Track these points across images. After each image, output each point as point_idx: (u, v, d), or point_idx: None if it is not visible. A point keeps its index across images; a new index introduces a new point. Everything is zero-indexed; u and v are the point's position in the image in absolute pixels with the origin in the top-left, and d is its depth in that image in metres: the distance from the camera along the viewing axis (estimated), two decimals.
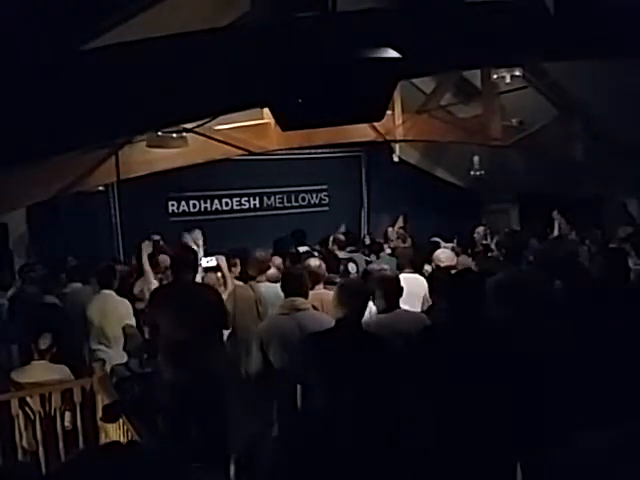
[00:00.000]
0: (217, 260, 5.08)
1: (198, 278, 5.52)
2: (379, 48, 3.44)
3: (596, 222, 8.39)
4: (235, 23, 4.79)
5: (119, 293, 5.31)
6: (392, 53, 3.44)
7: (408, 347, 3.20)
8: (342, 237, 8.01)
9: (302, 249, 6.99)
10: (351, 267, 5.87)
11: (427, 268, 5.63)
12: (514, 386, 2.74)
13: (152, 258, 5.47)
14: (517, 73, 6.42)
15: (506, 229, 8.22)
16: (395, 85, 3.71)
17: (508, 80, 6.51)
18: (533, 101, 7.72)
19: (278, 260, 5.88)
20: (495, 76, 6.62)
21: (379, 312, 3.73)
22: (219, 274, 5.14)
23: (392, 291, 3.70)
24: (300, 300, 3.88)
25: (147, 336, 4.56)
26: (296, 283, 3.98)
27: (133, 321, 5.05)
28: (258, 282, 5.07)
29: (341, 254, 7.07)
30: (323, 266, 4.68)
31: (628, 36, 4.24)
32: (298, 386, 3.34)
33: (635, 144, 7.44)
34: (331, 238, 8.05)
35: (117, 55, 3.48)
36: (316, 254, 6.61)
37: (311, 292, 4.13)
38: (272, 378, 3.73)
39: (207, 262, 5.29)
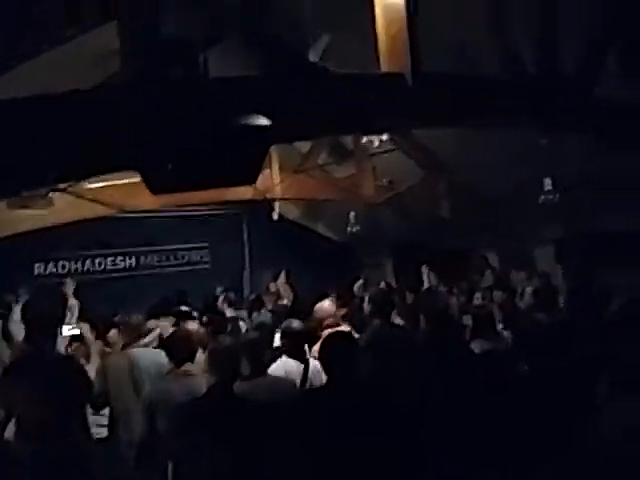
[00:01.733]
0: (80, 329, 4.81)
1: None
2: (251, 115, 3.54)
3: (463, 274, 8.98)
4: (105, 82, 4.71)
5: None
6: (263, 120, 3.56)
7: (282, 409, 3.20)
8: (232, 295, 7.95)
9: (183, 309, 6.79)
10: (242, 325, 5.79)
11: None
12: (394, 443, 2.81)
13: None
14: (384, 137, 6.83)
15: (378, 284, 8.55)
16: (266, 150, 3.83)
17: (377, 143, 6.90)
18: (401, 162, 8.21)
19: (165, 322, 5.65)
20: (364, 139, 7.00)
21: (243, 378, 3.67)
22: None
23: (258, 355, 3.69)
24: (189, 365, 3.83)
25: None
26: (183, 347, 3.89)
27: None
28: (132, 347, 4.85)
29: (230, 313, 6.97)
30: (202, 330, 4.60)
31: (485, 106, 4.69)
32: (169, 461, 3.22)
33: (493, 202, 8.12)
34: (221, 297, 7.94)
35: None
36: (195, 314, 6.47)
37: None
38: (157, 447, 3.56)
39: (70, 330, 4.97)
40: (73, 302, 5.62)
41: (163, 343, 4.14)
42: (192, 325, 4.58)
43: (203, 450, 3.03)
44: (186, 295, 7.80)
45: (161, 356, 4.41)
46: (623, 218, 7.40)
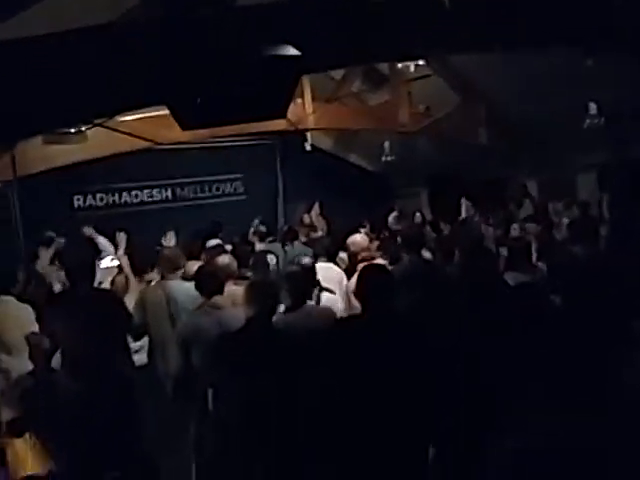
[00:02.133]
0: (120, 261, 4.92)
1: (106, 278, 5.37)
2: (279, 45, 3.43)
3: (499, 203, 8.81)
4: (123, 18, 4.61)
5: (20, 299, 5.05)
6: (292, 51, 3.44)
7: (320, 343, 3.25)
8: (263, 229, 7.96)
9: (213, 242, 6.87)
10: (270, 259, 5.78)
11: (342, 255, 5.69)
12: (429, 378, 2.84)
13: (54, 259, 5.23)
14: (421, 62, 6.57)
15: (413, 215, 8.48)
16: (296, 82, 3.72)
17: (412, 69, 6.66)
18: (438, 88, 7.93)
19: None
20: (400, 65, 6.75)
21: (286, 309, 3.75)
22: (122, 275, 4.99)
23: (298, 287, 3.73)
24: (218, 298, 3.88)
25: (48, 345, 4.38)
26: (212, 281, 3.95)
27: (36, 328, 4.82)
28: (169, 280, 4.96)
29: (260, 246, 7.01)
30: (233, 263, 4.64)
31: (523, 28, 4.44)
32: (209, 389, 3.34)
33: (533, 129, 7.83)
34: (251, 230, 7.97)
35: (9, 51, 3.30)
36: (229, 247, 6.54)
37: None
38: (192, 379, 3.70)
39: (110, 261, 5.11)
40: (123, 237, 5.76)
41: (192, 277, 4.20)
42: (222, 258, 4.62)
43: (242, 381, 3.11)
44: (220, 227, 7.85)
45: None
46: None
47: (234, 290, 4.32)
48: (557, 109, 7.05)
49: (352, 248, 5.10)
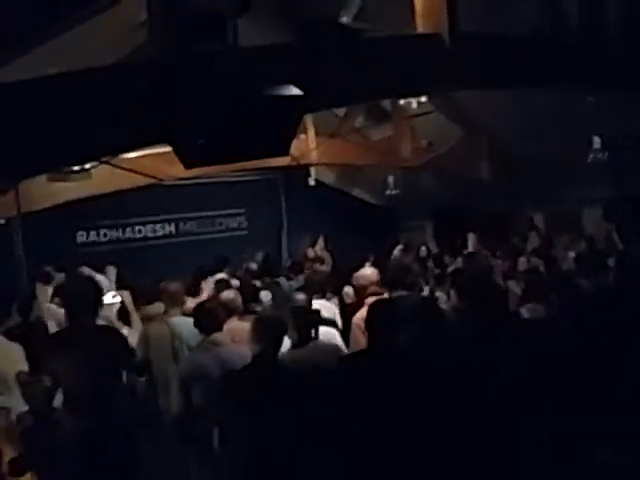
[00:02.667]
0: (121, 296, 4.88)
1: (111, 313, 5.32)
2: (282, 85, 3.46)
3: (505, 236, 8.77)
4: (131, 56, 4.69)
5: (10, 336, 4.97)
6: (295, 90, 3.46)
7: (328, 380, 3.19)
8: (254, 266, 7.88)
9: (219, 276, 6.82)
10: (264, 295, 5.74)
11: (347, 290, 5.62)
12: (438, 411, 2.78)
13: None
14: (422, 99, 6.62)
15: (418, 249, 8.43)
16: (299, 121, 3.74)
17: (415, 105, 6.71)
18: (440, 124, 7.99)
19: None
20: (402, 101, 6.81)
21: (292, 345, 3.70)
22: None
23: (304, 323, 3.69)
24: (218, 335, 3.82)
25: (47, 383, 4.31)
26: (212, 317, 3.91)
27: (26, 367, 4.74)
28: (171, 316, 4.91)
29: (258, 282, 6.94)
30: (238, 298, 4.60)
31: (521, 67, 4.48)
32: (215, 428, 3.27)
33: (535, 163, 7.85)
34: (244, 267, 7.90)
35: (15, 92, 3.33)
36: (235, 281, 6.50)
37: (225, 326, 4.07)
38: (193, 420, 3.62)
39: (112, 298, 5.07)
40: (112, 272, 5.75)
41: (191, 314, 4.17)
42: (227, 294, 4.58)
43: (249, 419, 3.05)
44: (226, 261, 7.81)
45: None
46: None
47: (236, 326, 4.29)
48: (559, 144, 7.08)
49: (361, 282, 5.03)
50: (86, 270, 5.60)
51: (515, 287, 5.82)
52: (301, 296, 4.56)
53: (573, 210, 8.65)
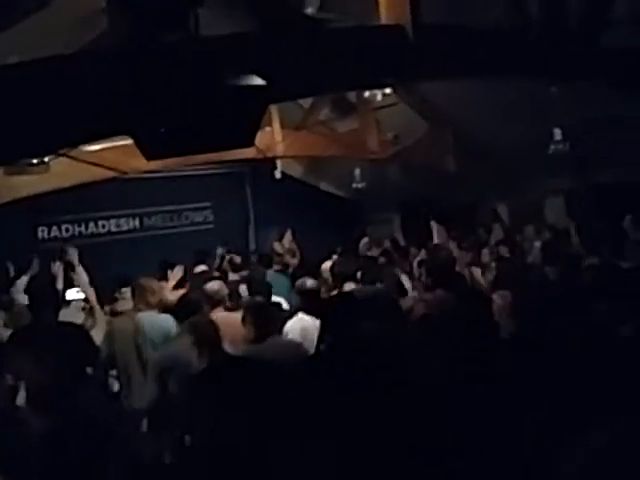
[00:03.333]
0: (85, 291, 4.81)
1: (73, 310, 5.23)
2: (245, 75, 3.41)
3: (471, 228, 8.87)
4: (91, 44, 4.57)
5: None
6: (258, 80, 3.42)
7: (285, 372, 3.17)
8: (238, 259, 7.85)
9: (200, 268, 6.77)
10: (242, 289, 5.73)
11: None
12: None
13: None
14: (387, 91, 6.63)
15: (382, 242, 8.48)
16: (263, 111, 3.70)
17: (379, 97, 6.71)
18: (406, 116, 8.01)
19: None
20: (367, 93, 6.80)
21: (250, 341, 3.68)
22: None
23: (262, 319, 3.67)
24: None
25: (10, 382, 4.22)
26: (192, 308, 3.91)
27: None
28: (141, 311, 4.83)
29: (234, 276, 6.90)
30: (223, 289, 4.59)
31: (483, 57, 4.51)
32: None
33: (499, 155, 7.95)
34: (227, 258, 7.84)
35: None
36: (216, 274, 6.45)
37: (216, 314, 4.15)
38: (169, 410, 3.58)
39: (76, 293, 4.98)
40: (79, 268, 5.60)
41: (180, 305, 4.14)
42: (212, 285, 4.57)
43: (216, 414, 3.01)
44: (207, 254, 7.69)
45: (167, 321, 4.42)
46: (633, 168, 7.25)
47: (223, 316, 4.28)
48: (523, 135, 7.17)
49: (326, 274, 5.05)
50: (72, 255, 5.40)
51: (479, 275, 5.92)
52: (311, 282, 4.55)
53: (535, 201, 8.79)
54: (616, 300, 3.46)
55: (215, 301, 4.40)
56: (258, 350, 3.56)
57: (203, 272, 6.48)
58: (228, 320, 4.13)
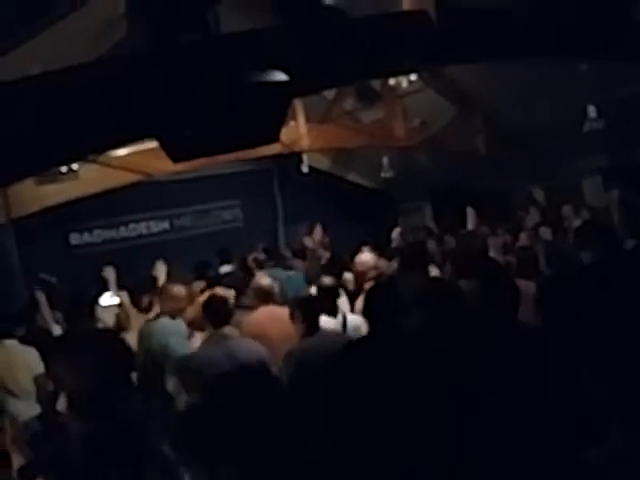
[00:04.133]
0: (119, 297, 4.81)
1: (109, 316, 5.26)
2: (267, 71, 3.34)
3: (505, 213, 8.67)
4: (112, 50, 4.55)
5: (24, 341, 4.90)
6: (281, 76, 3.34)
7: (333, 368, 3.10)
8: (261, 256, 7.79)
9: (226, 268, 6.74)
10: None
11: (347, 276, 5.54)
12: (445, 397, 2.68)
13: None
14: (412, 77, 6.49)
15: (416, 230, 8.34)
16: (287, 106, 3.63)
17: (405, 84, 6.57)
18: (432, 102, 7.85)
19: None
20: (392, 80, 6.67)
21: (301, 336, 3.62)
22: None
23: (312, 311, 3.61)
24: (228, 329, 3.76)
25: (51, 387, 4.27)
26: (222, 311, 3.83)
27: (42, 370, 4.69)
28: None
29: (260, 273, 6.85)
30: (276, 285, 4.56)
31: (511, 39, 4.36)
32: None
33: (532, 136, 7.74)
34: (250, 258, 7.80)
35: None
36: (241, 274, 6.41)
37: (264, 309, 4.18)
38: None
39: (110, 299, 5.00)
40: (111, 273, 5.63)
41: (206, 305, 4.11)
42: (265, 280, 4.56)
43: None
44: (229, 253, 7.67)
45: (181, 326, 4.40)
46: None
47: (275, 311, 4.28)
48: (555, 114, 6.96)
49: (359, 268, 4.95)
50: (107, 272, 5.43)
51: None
52: (327, 279, 4.51)
53: (573, 182, 8.54)
54: None
55: (265, 296, 4.37)
56: (312, 344, 3.50)
57: (231, 272, 6.38)
58: (276, 315, 4.13)
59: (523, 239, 6.81)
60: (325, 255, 7.84)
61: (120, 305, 5.10)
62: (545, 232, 6.60)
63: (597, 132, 6.79)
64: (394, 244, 8.02)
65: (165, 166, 6.69)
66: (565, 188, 8.48)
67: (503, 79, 6.66)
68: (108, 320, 5.17)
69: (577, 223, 6.73)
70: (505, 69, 6.22)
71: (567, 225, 6.95)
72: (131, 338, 4.50)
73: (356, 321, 4.11)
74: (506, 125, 8.05)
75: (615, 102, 6.53)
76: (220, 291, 4.41)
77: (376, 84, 8.02)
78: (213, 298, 4.13)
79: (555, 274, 4.40)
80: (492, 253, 5.94)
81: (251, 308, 4.48)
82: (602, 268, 4.11)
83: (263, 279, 4.61)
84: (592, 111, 6.73)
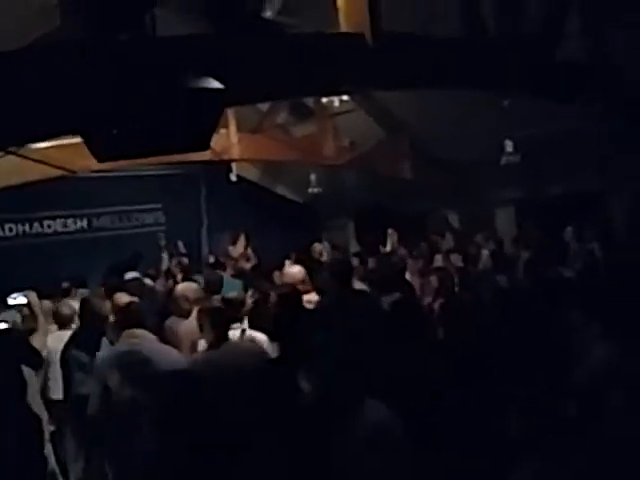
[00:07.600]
0: (27, 297, 4.60)
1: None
2: (202, 78, 3.33)
3: (423, 235, 8.98)
4: (42, 40, 4.39)
5: None
6: (215, 83, 3.35)
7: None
8: (186, 261, 7.68)
9: (131, 275, 6.53)
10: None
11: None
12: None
13: None
14: (345, 97, 6.64)
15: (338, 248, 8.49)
16: (219, 115, 3.63)
17: (337, 103, 6.72)
18: (363, 122, 8.05)
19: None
20: (325, 99, 6.80)
21: (208, 346, 3.60)
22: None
23: (220, 323, 3.59)
24: (139, 331, 3.68)
25: None
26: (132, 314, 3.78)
27: None
28: None
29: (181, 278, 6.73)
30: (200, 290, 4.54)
31: (443, 68, 4.56)
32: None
33: (454, 163, 8.09)
34: (174, 261, 7.66)
35: None
36: (148, 280, 6.28)
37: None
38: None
39: (15, 299, 4.76)
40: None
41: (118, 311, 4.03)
42: (189, 284, 4.55)
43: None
44: (140, 258, 7.51)
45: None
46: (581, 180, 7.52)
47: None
48: (476, 145, 7.31)
49: (287, 281, 4.95)
50: None
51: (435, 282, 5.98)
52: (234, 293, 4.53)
53: (486, 210, 8.98)
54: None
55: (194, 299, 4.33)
56: (217, 356, 3.48)
57: (134, 279, 6.16)
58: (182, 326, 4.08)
59: (438, 261, 7.10)
60: (247, 266, 7.84)
61: (28, 305, 4.87)
62: (457, 259, 6.90)
63: (513, 165, 7.19)
64: (315, 258, 8.12)
65: (88, 163, 6.45)
66: (479, 216, 8.91)
67: (430, 107, 6.94)
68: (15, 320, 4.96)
69: (485, 251, 7.14)
70: (432, 98, 6.49)
71: (475, 253, 7.30)
72: (37, 339, 4.35)
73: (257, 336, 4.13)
74: (431, 152, 8.36)
75: (530, 138, 6.94)
76: (122, 297, 4.32)
77: (309, 100, 8.14)
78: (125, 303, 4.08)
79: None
80: (408, 275, 6.16)
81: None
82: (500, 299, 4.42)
83: (187, 284, 4.62)
84: (509, 145, 7.12)
